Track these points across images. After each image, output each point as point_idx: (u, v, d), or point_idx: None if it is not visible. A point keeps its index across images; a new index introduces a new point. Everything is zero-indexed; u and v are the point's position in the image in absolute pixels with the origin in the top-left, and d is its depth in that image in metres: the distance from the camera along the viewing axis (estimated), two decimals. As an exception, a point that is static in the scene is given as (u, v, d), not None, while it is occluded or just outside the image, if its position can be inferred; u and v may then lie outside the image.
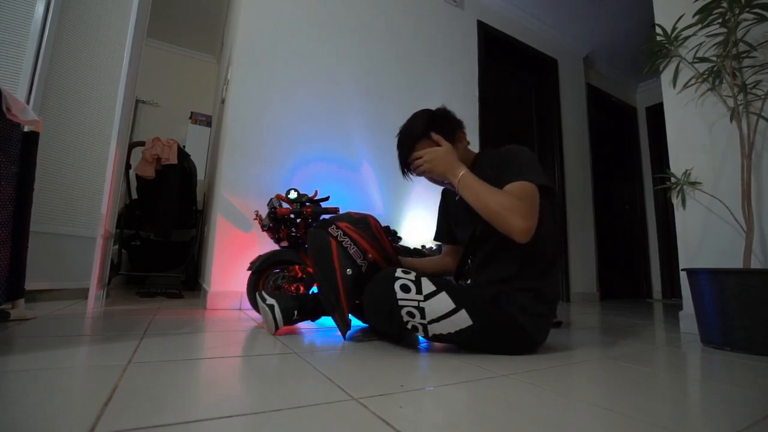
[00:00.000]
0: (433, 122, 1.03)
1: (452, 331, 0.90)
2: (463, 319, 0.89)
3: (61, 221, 1.76)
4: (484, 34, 2.78)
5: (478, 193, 0.91)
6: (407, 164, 1.05)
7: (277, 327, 1.07)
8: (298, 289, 1.48)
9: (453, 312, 0.89)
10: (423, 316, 0.89)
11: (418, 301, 0.89)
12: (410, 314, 0.89)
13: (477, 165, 1.06)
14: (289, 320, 1.09)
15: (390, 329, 0.99)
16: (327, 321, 1.38)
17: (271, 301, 1.09)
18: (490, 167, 1.00)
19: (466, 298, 0.91)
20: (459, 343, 0.96)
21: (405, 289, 0.90)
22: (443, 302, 0.89)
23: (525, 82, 3.22)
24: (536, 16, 3.09)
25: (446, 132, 1.02)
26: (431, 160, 0.98)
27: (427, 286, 0.91)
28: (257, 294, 1.14)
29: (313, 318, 1.18)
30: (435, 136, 1.01)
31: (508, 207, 0.86)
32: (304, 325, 1.27)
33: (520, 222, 0.85)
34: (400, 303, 0.89)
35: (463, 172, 0.94)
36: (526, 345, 0.94)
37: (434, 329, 0.90)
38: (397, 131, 1.08)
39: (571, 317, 1.85)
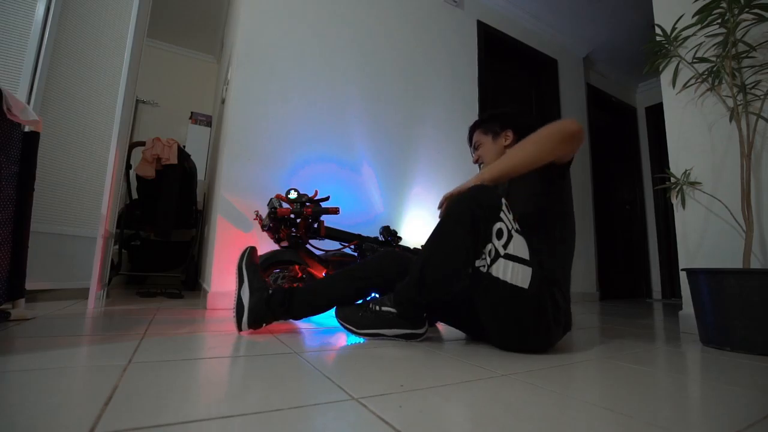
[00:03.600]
0: (483, 120, 1.24)
1: (507, 281, 0.86)
2: (524, 277, 0.86)
3: (61, 221, 1.76)
4: (484, 34, 2.78)
5: (509, 158, 0.90)
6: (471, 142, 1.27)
7: (240, 328, 1.06)
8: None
9: (525, 262, 0.87)
10: (507, 244, 0.86)
11: (513, 229, 0.88)
12: (500, 233, 0.86)
13: None
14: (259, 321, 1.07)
15: (459, 245, 0.88)
16: (327, 321, 1.38)
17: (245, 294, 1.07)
18: None
19: (534, 262, 0.89)
20: (491, 305, 0.92)
21: (507, 209, 0.89)
22: (525, 247, 0.88)
23: (525, 82, 3.21)
24: (536, 16, 3.09)
25: (490, 128, 1.20)
26: (483, 154, 1.20)
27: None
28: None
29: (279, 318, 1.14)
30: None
31: (545, 135, 0.89)
32: (304, 325, 1.27)
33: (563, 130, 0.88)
34: (501, 215, 0.86)
35: (484, 174, 0.92)
36: (540, 343, 0.93)
37: (498, 267, 0.86)
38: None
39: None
